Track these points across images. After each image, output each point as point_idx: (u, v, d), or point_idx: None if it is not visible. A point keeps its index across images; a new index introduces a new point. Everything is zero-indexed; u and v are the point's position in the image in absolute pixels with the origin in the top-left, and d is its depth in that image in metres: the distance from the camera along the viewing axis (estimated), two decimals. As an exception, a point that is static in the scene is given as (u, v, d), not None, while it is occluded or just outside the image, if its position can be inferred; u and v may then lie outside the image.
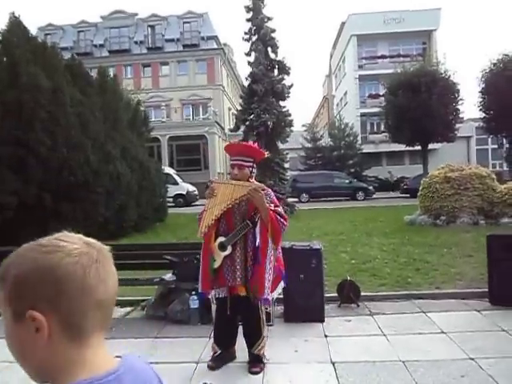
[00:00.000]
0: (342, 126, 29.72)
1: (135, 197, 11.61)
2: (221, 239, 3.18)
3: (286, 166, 17.00)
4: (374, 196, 22.75)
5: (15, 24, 10.59)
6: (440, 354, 3.31)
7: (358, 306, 4.60)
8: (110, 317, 0.72)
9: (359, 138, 30.19)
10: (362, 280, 5.62)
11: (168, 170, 21.43)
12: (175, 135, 29.09)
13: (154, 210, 12.82)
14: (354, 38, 32.05)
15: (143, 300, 4.96)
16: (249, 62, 16.31)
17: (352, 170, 27.71)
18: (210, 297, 3.25)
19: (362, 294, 4.86)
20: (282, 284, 3.33)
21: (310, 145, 30.31)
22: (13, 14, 10.74)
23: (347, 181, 23.07)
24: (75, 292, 0.64)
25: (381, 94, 27.29)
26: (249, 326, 3.27)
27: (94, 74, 12.83)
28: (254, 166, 3.27)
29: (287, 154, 17.08)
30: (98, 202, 10.31)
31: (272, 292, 3.25)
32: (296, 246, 4.35)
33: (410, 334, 3.78)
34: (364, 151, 29.46)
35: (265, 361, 3.27)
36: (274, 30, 15.90)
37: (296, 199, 20.98)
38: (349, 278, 4.70)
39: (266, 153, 3.38)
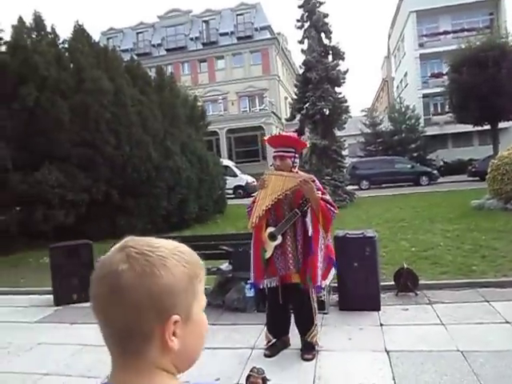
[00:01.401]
0: (403, 109, 28.46)
1: (195, 190, 11.99)
2: (270, 229, 3.25)
3: (344, 153, 16.67)
4: (440, 180, 21.68)
5: (79, 32, 11.30)
6: (502, 344, 3.16)
7: (417, 294, 4.48)
8: None
9: (422, 120, 28.74)
10: (423, 268, 5.46)
11: (227, 162, 21.86)
12: (233, 128, 29.54)
13: (213, 202, 13.17)
14: (413, 15, 30.42)
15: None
16: (302, 50, 16.13)
17: (415, 154, 26.53)
18: (262, 287, 3.33)
19: (422, 282, 4.73)
20: (333, 271, 3.36)
21: (369, 130, 29.41)
22: (77, 22, 11.46)
23: (409, 165, 22.14)
24: None
25: (444, 72, 25.75)
26: (301, 314, 3.32)
27: (153, 73, 13.36)
28: (296, 156, 3.32)
29: (345, 140, 16.74)
30: (160, 196, 10.80)
31: (324, 280, 3.29)
32: (350, 234, 4.32)
33: (470, 323, 3.64)
34: (427, 134, 28.05)
35: (317, 348, 3.32)
36: (326, 15, 15.56)
37: (356, 186, 20.54)
38: (405, 265, 4.59)
39: (306, 143, 3.43)
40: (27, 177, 8.87)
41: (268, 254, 3.26)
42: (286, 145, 3.30)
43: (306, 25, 15.72)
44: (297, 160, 3.34)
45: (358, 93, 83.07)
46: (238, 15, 34.75)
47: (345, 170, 17.07)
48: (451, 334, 3.45)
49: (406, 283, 4.49)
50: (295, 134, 3.46)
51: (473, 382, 2.68)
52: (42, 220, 8.89)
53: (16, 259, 8.46)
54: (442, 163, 25.86)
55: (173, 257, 0.65)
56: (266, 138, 3.47)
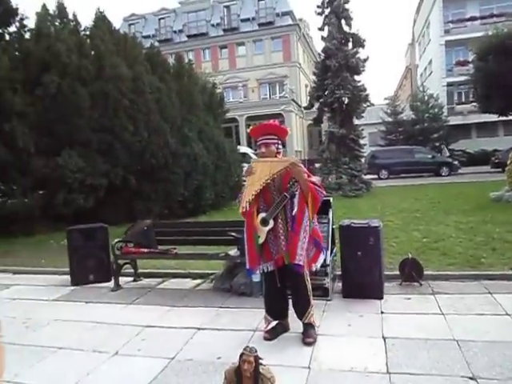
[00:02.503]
0: (426, 98, 27.91)
1: (212, 176, 12.16)
2: (262, 215, 3.37)
3: (362, 142, 16.53)
4: (461, 171, 21.30)
5: (100, 19, 11.49)
6: (499, 335, 3.21)
7: (421, 284, 4.53)
8: None
9: (445, 109, 28.14)
10: (431, 259, 5.49)
11: (245, 149, 21.90)
12: (252, 115, 29.53)
13: (229, 189, 13.32)
14: (439, 0, 29.60)
15: (212, 273, 5.34)
16: (322, 37, 15.98)
17: (437, 144, 26.08)
18: (257, 272, 3.45)
19: (427, 272, 4.77)
20: (322, 255, 3.46)
21: (390, 119, 29.00)
22: (98, 9, 11.64)
23: (430, 156, 21.81)
24: None
25: (469, 60, 25.06)
26: (297, 294, 3.42)
27: (174, 60, 13.45)
28: (279, 142, 3.47)
29: (363, 129, 16.60)
30: (177, 182, 11.01)
31: (314, 263, 3.41)
32: (354, 223, 4.38)
33: (470, 314, 3.68)
34: (451, 123, 27.48)
35: (319, 331, 3.42)
36: (347, 1, 15.34)
37: (375, 176, 20.41)
38: (410, 255, 4.63)
39: (287, 129, 3.55)
40: (49, 161, 9.18)
41: (261, 240, 3.36)
42: (268, 132, 3.43)
43: (327, 11, 15.56)
44: (280, 146, 3.47)
45: (381, 81, 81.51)
46: (259, 0, 34.44)
47: (363, 159, 16.98)
48: (449, 323, 3.51)
49: (411, 273, 4.54)
50: (276, 122, 3.56)
51: (463, 370, 2.75)
52: (63, 203, 9.22)
53: (38, 241, 8.82)
54: (448, 155, 24.67)
55: None
56: (249, 129, 3.58)
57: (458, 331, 3.33)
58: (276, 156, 3.41)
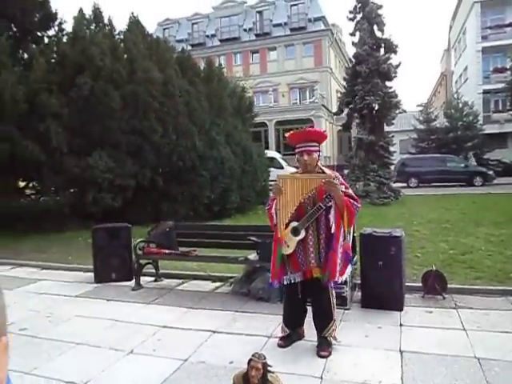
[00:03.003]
0: (460, 105, 27.13)
1: (238, 180, 12.20)
2: (293, 224, 3.26)
3: (392, 149, 16.22)
4: (496, 181, 20.55)
5: (134, 23, 11.78)
6: (523, 355, 3.07)
7: (444, 298, 4.39)
8: None
9: (481, 117, 27.28)
10: (457, 271, 5.32)
11: (273, 154, 21.92)
12: (282, 119, 29.53)
13: (255, 193, 13.33)
14: (476, 5, 28.75)
15: (232, 277, 5.35)
16: (353, 43, 15.83)
17: (471, 153, 25.28)
18: (284, 282, 3.38)
19: (452, 286, 4.63)
20: (350, 268, 3.39)
21: (422, 126, 28.35)
22: (132, 14, 11.94)
23: (462, 165, 21.16)
24: None
25: (507, 67, 24.23)
26: (320, 309, 3.36)
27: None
28: (320, 149, 3.35)
29: (393, 136, 16.30)
30: (203, 185, 11.11)
31: (342, 275, 3.32)
32: (376, 232, 4.30)
33: (493, 331, 3.54)
34: (486, 132, 26.60)
35: (335, 343, 3.36)
36: (380, 6, 15.15)
37: (404, 184, 19.97)
38: (434, 267, 4.50)
39: (327, 134, 3.43)
40: (80, 161, 9.45)
41: (291, 249, 3.29)
42: (310, 139, 3.30)
43: (359, 16, 15.41)
44: (320, 154, 3.38)
45: (415, 87, 79.86)
46: (292, 6, 34.49)
47: (392, 167, 16.65)
48: (471, 340, 3.38)
49: (434, 285, 4.41)
50: (318, 128, 3.50)
51: (482, 390, 2.65)
52: (92, 202, 9.46)
53: (68, 238, 9.08)
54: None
55: None
56: (287, 134, 3.46)
57: (480, 348, 3.21)
58: (317, 164, 3.31)
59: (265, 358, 2.28)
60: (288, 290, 3.48)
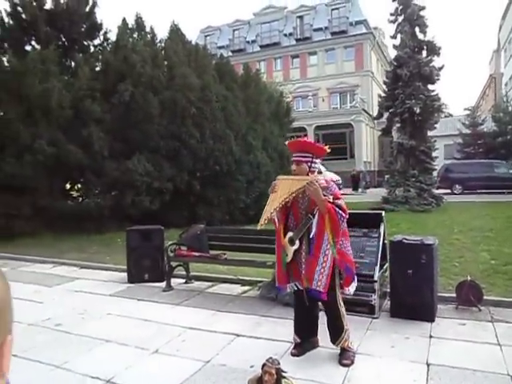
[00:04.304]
0: (510, 109, 25.85)
1: (274, 185, 12.19)
2: (289, 234, 3.30)
3: (435, 154, 15.66)
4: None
5: (174, 31, 12.10)
6: (562, 374, 2.87)
7: (480, 310, 4.18)
8: None
9: (533, 121, 25.85)
10: (496, 283, 5.06)
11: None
12: (321, 124, 29.29)
13: (292, 198, 13.25)
14: (530, 4, 27.43)
15: (261, 281, 5.35)
16: (394, 45, 15.49)
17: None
18: (288, 290, 3.40)
19: (489, 298, 4.41)
20: (354, 284, 3.29)
21: (468, 131, 27.24)
22: (173, 22, 12.29)
23: (511, 171, 20.12)
24: None
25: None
26: (328, 318, 3.32)
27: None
28: (313, 160, 3.28)
29: (435, 141, 15.74)
30: (239, 189, 11.21)
31: (347, 286, 3.26)
32: (407, 239, 4.17)
33: (531, 347, 3.34)
34: (538, 137, 25.16)
35: (359, 352, 3.28)
36: (422, 8, 14.72)
37: (448, 190, 19.25)
38: (469, 278, 4.30)
39: (325, 148, 3.34)
40: (120, 165, 9.80)
41: (288, 258, 3.31)
42: (302, 149, 3.31)
43: (400, 19, 15.05)
44: (314, 165, 3.30)
45: (462, 90, 76.87)
46: (332, 10, 34.23)
47: (434, 173, 16.09)
48: (506, 356, 3.20)
49: (469, 297, 4.21)
50: (308, 139, 3.48)
51: (511, 409, 2.50)
52: (131, 205, 9.77)
53: (107, 239, 9.42)
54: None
55: None
56: (287, 142, 3.50)
57: (514, 365, 3.03)
58: (308, 175, 3.26)
59: (278, 364, 2.26)
60: (295, 298, 3.48)
